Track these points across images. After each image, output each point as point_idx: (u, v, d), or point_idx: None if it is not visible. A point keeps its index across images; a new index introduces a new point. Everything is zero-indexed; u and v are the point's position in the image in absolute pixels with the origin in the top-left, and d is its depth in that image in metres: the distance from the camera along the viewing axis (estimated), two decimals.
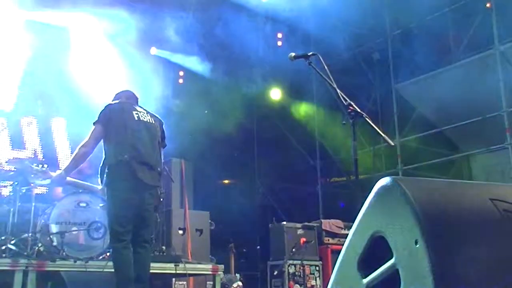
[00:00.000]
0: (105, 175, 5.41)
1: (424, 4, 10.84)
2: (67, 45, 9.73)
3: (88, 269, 6.45)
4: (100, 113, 5.60)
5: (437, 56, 11.22)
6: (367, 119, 4.28)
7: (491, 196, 2.38)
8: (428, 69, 11.53)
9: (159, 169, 5.68)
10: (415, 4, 10.60)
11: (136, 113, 5.70)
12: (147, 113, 5.86)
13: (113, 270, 5.25)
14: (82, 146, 5.48)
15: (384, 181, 2.41)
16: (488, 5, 10.70)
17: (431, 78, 11.59)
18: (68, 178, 6.48)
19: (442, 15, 11.42)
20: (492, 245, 2.26)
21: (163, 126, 6.04)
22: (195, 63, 11.71)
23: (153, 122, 5.85)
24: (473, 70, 10.92)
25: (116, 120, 5.59)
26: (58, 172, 5.74)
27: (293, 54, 4.85)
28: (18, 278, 6.09)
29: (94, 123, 5.54)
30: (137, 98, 6.11)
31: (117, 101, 5.90)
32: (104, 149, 5.50)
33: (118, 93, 6.06)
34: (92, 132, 5.52)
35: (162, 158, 5.97)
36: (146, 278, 5.40)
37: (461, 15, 11.22)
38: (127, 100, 5.94)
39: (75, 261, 6.50)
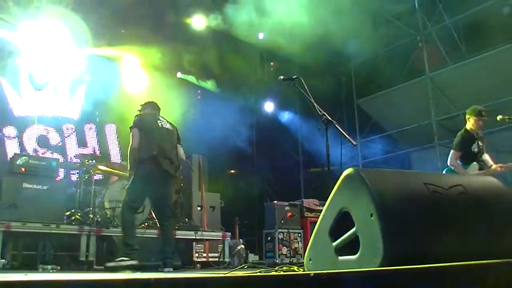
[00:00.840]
0: (136, 165, 5.44)
1: (378, 40, 10.87)
2: (117, 70, 9.75)
3: None
4: (135, 120, 5.65)
5: (387, 80, 11.23)
6: (336, 125, 4.31)
7: (424, 181, 2.41)
8: (381, 89, 11.57)
9: (177, 163, 5.76)
10: (371, 40, 10.62)
11: (159, 122, 5.79)
12: (166, 122, 5.93)
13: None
14: (132, 148, 5.52)
15: (348, 171, 2.44)
16: (420, 44, 10.80)
17: (383, 95, 11.63)
18: (100, 167, 6.87)
19: (391, 50, 11.46)
20: (424, 215, 2.29)
21: (178, 131, 6.07)
22: (209, 84, 11.73)
23: (171, 128, 5.90)
24: (412, 90, 10.96)
25: (147, 125, 5.64)
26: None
27: (281, 77, 4.87)
28: (83, 240, 6.24)
29: (131, 128, 5.60)
30: (159, 108, 6.13)
31: (145, 111, 5.96)
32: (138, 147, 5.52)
33: (146, 104, 6.08)
34: (132, 134, 5.56)
35: (181, 155, 5.97)
36: (172, 243, 5.55)
37: (403, 50, 11.27)
38: (151, 110, 5.99)
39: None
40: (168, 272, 5.14)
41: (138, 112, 6.01)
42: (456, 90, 10.45)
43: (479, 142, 6.05)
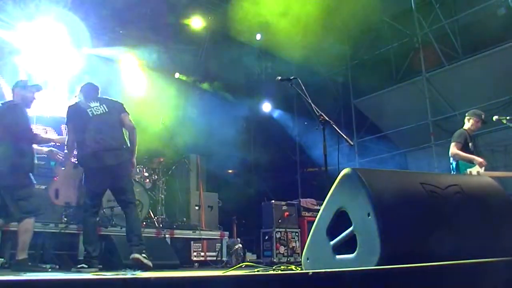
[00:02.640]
0: (80, 163, 5.39)
1: (374, 41, 10.89)
2: (116, 70, 9.75)
3: None
4: (67, 114, 5.41)
5: (383, 81, 11.24)
6: (333, 125, 4.32)
7: (421, 181, 2.42)
8: (377, 89, 11.58)
9: (124, 145, 5.34)
10: (368, 42, 10.63)
11: (90, 110, 5.32)
12: (100, 105, 5.40)
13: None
14: (67, 146, 5.40)
15: (346, 170, 2.45)
16: (416, 45, 10.82)
17: (380, 96, 11.63)
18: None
19: (387, 50, 11.49)
20: (420, 214, 2.30)
21: (121, 105, 5.56)
22: (207, 84, 11.73)
23: (106, 110, 5.38)
24: (408, 91, 10.98)
25: (77, 120, 5.33)
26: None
27: (279, 77, 4.88)
28: (81, 239, 6.18)
29: (66, 124, 5.47)
30: (96, 89, 5.61)
31: (77, 101, 5.51)
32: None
33: (80, 89, 5.61)
34: (67, 130, 5.47)
35: (129, 125, 5.41)
36: (138, 231, 5.13)
37: (399, 51, 11.28)
38: (83, 98, 5.46)
39: (121, 228, 6.54)
40: (136, 259, 4.86)
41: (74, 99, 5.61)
42: (452, 90, 10.47)
43: (472, 143, 6.29)
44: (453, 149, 6.19)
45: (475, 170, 6.02)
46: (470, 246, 2.32)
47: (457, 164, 6.17)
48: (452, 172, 6.25)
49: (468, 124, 6.41)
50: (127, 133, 5.43)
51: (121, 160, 5.23)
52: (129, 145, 5.38)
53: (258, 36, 10.65)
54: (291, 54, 10.07)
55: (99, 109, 5.35)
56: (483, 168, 5.97)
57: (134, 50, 9.67)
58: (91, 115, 5.28)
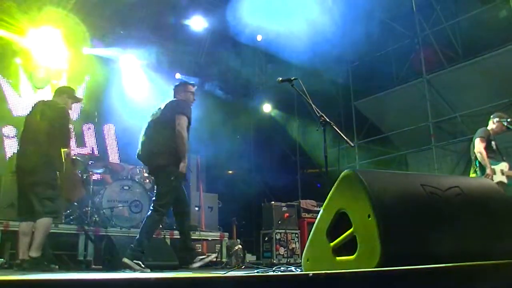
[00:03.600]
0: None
1: (374, 43, 10.89)
2: (116, 71, 9.76)
3: (130, 234, 6.49)
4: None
5: (384, 82, 11.24)
6: (334, 126, 4.32)
7: (421, 183, 2.42)
8: (378, 91, 11.58)
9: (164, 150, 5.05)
10: (368, 43, 10.63)
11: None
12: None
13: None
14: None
15: (346, 172, 2.45)
16: (417, 46, 10.82)
17: (380, 97, 11.63)
18: None
19: (387, 53, 11.50)
20: (421, 216, 2.30)
21: (174, 103, 5.30)
22: (208, 85, 11.72)
23: (160, 114, 5.23)
24: (409, 92, 10.98)
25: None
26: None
27: (280, 78, 4.88)
28: (81, 239, 6.29)
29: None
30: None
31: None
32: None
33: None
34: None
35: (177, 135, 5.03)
36: (139, 235, 4.99)
37: (400, 52, 11.28)
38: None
39: (120, 228, 6.58)
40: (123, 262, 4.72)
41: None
42: (452, 92, 10.47)
43: (496, 144, 6.36)
44: (479, 145, 6.17)
45: (499, 168, 6.06)
46: (470, 248, 2.32)
47: (480, 163, 6.16)
48: (475, 168, 6.24)
49: (492, 125, 6.41)
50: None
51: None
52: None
53: (259, 37, 10.65)
54: (292, 55, 10.06)
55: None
56: (503, 172, 6.03)
57: (134, 51, 9.68)
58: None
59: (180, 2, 10.04)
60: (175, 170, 4.94)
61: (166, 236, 7.11)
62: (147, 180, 7.97)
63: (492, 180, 6.01)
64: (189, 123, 5.22)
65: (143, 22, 9.80)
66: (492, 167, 6.03)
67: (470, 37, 10.20)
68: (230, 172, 12.82)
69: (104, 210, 6.78)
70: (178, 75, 11.10)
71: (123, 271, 4.64)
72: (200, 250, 8.26)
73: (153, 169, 5.25)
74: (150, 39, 9.85)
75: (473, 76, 9.70)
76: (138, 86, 9.86)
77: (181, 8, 10.13)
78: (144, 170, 8.02)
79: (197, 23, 10.47)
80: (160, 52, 9.94)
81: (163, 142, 5.04)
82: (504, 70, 9.16)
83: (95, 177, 7.46)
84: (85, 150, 9.05)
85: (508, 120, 6.27)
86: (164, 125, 5.10)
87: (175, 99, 5.41)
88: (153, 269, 5.03)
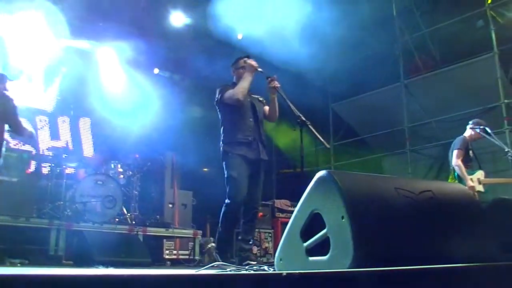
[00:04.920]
0: None
1: (350, 48, 10.98)
2: (93, 63, 9.62)
3: (102, 230, 6.44)
4: None
5: (362, 85, 11.34)
6: (310, 127, 4.34)
7: (395, 186, 2.45)
8: (355, 93, 11.68)
9: None
10: (348, 46, 10.72)
11: None
12: None
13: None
14: None
15: (322, 173, 2.46)
16: (396, 51, 10.97)
17: (357, 100, 11.74)
18: None
19: (366, 56, 11.60)
20: (394, 218, 2.33)
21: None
22: (186, 81, 11.64)
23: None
24: (386, 96, 11.11)
25: None
26: None
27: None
28: (53, 234, 6.16)
29: None
30: None
31: None
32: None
33: None
34: None
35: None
36: None
37: (379, 57, 11.40)
38: None
39: (93, 223, 6.49)
40: None
41: None
42: (429, 98, 10.63)
43: (473, 151, 6.46)
44: (456, 158, 6.23)
45: (475, 177, 6.17)
46: (441, 251, 2.36)
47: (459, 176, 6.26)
48: (454, 179, 6.33)
49: (469, 132, 6.47)
50: None
51: None
52: None
53: (240, 36, 10.62)
54: (272, 55, 10.08)
55: None
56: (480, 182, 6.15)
57: (113, 44, 9.55)
58: None
59: None
60: None
61: (139, 233, 7.06)
62: (122, 176, 7.89)
63: (476, 188, 6.15)
64: None
65: (124, 15, 9.68)
66: (469, 177, 6.14)
67: (448, 44, 10.38)
68: (205, 169, 12.76)
69: (77, 205, 6.69)
70: (156, 70, 11.01)
71: (96, 267, 4.59)
72: (172, 247, 8.23)
73: None
74: (130, 33, 9.73)
75: (449, 83, 9.87)
76: (116, 80, 9.74)
77: (162, 3, 10.04)
78: (119, 165, 7.94)
79: (178, 18, 10.39)
80: (139, 47, 9.83)
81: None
82: (479, 79, 9.35)
83: (68, 171, 7.35)
84: (59, 143, 8.90)
85: (481, 127, 6.37)
86: None
87: None
88: (126, 266, 4.99)
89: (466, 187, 5.74)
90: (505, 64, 9.45)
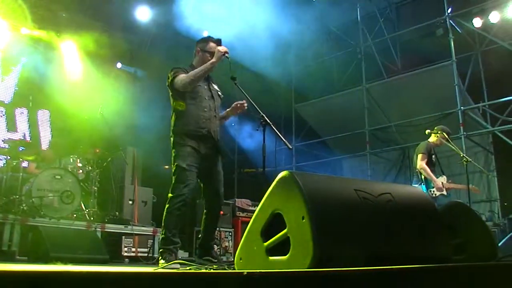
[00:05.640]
0: None
1: (315, 51, 11.09)
2: (55, 55, 9.37)
3: (59, 225, 6.29)
4: None
5: (325, 87, 11.48)
6: (273, 127, 4.35)
7: (355, 187, 2.48)
8: (318, 95, 11.81)
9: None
10: (311, 50, 10.82)
11: None
12: None
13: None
14: None
15: (283, 173, 2.47)
16: (359, 56, 11.16)
17: (320, 102, 11.87)
18: None
19: (330, 59, 11.77)
20: (354, 220, 2.36)
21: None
22: (150, 77, 11.49)
23: None
24: (348, 100, 11.28)
25: None
26: None
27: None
28: (7, 229, 5.95)
29: None
30: None
31: None
32: None
33: None
34: None
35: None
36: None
37: (342, 61, 11.58)
38: None
39: (50, 219, 6.33)
40: None
41: None
42: (389, 102, 10.87)
43: (436, 156, 6.63)
44: (420, 162, 6.40)
45: (439, 181, 6.34)
46: (399, 252, 2.41)
47: (425, 177, 6.40)
48: (420, 183, 6.47)
49: (433, 137, 6.62)
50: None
51: None
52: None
53: (205, 33, 10.56)
54: (236, 55, 10.07)
55: None
56: (443, 186, 6.32)
57: (76, 35, 9.33)
58: None
59: None
60: None
61: (97, 229, 6.93)
62: (81, 171, 7.73)
63: (443, 191, 6.33)
64: None
65: (87, 7, 9.49)
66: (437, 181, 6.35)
67: (409, 51, 10.64)
68: (167, 167, 12.65)
69: (33, 199, 6.50)
70: (119, 65, 10.84)
71: (54, 263, 4.48)
72: (131, 244, 8.12)
73: None
74: (93, 25, 9.54)
75: (410, 89, 10.11)
76: (77, 73, 9.53)
77: None
78: (78, 160, 7.78)
79: (143, 13, 10.26)
80: (102, 40, 9.64)
81: None
82: (438, 85, 9.62)
83: (25, 164, 7.16)
84: (17, 136, 8.65)
85: (444, 133, 6.54)
86: None
87: None
88: (82, 262, 4.88)
89: (424, 191, 5.90)
90: (463, 72, 9.76)
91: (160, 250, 4.35)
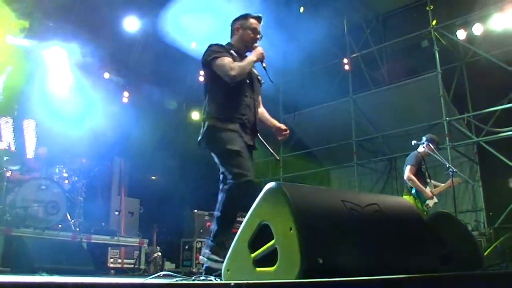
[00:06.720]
0: None
1: (302, 62, 11.15)
2: (41, 64, 9.31)
3: (44, 236, 6.23)
4: None
5: (312, 98, 11.52)
6: (261, 138, 4.36)
7: (342, 198, 2.50)
8: (306, 106, 11.85)
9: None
10: (300, 60, 10.87)
11: None
12: None
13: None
14: None
15: (271, 184, 2.48)
16: (347, 68, 11.25)
17: (308, 113, 11.91)
18: None
19: (318, 70, 11.85)
20: (341, 231, 2.37)
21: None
22: (137, 87, 11.48)
23: None
24: (335, 110, 11.33)
25: None
26: None
27: None
28: None
29: None
30: None
31: None
32: None
33: None
34: None
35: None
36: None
37: (330, 72, 11.67)
38: None
39: (34, 229, 6.26)
40: None
41: None
42: (376, 113, 10.94)
43: (425, 166, 6.64)
44: (408, 173, 6.43)
45: (428, 191, 6.40)
46: (386, 262, 2.42)
47: (416, 190, 6.44)
48: (409, 193, 6.50)
49: (422, 148, 6.65)
50: None
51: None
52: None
53: (193, 44, 10.59)
54: None
55: None
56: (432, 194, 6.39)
57: (62, 45, 9.29)
58: None
59: (116, 0, 9.82)
60: None
61: (83, 240, 6.88)
62: (67, 181, 7.68)
63: (433, 198, 6.39)
64: None
65: (75, 16, 9.47)
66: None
67: (396, 62, 10.76)
68: (154, 177, 12.60)
69: (17, 210, 6.43)
70: (107, 75, 10.81)
71: (41, 274, 4.43)
72: (117, 255, 8.06)
73: None
74: (81, 35, 9.51)
75: (396, 99, 10.20)
76: (63, 82, 9.47)
77: (115, 6, 9.89)
78: (64, 170, 7.72)
79: (131, 23, 10.26)
80: (90, 50, 9.62)
81: None
82: (424, 96, 9.72)
83: (9, 174, 7.09)
84: (1, 145, 8.55)
85: (433, 141, 6.59)
86: None
87: None
88: (67, 273, 4.83)
89: (409, 202, 5.94)
90: (448, 83, 9.88)
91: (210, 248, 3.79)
